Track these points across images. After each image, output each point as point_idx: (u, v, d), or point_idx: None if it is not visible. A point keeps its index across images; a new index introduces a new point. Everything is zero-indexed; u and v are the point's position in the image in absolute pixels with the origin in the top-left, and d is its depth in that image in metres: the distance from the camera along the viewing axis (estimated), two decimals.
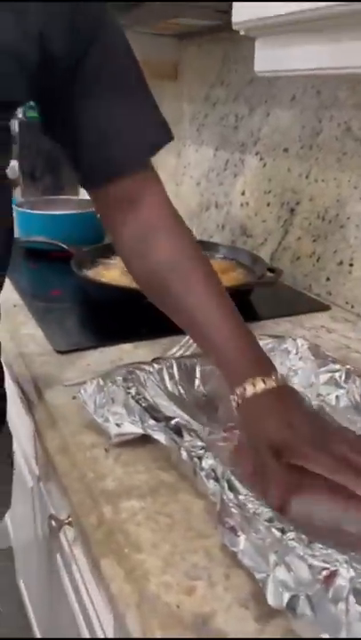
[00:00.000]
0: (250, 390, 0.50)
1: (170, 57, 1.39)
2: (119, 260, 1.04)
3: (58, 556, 0.74)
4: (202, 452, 0.44)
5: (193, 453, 0.45)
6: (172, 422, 0.48)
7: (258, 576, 0.36)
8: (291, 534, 0.36)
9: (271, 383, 0.50)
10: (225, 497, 0.40)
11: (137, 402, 0.52)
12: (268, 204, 1.13)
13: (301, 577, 0.34)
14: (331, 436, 0.47)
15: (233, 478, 0.41)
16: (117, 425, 0.52)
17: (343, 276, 0.94)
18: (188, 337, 0.73)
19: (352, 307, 0.93)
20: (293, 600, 0.33)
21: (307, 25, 0.60)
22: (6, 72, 0.48)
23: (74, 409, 0.62)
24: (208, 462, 0.43)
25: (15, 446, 0.98)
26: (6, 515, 0.77)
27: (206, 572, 0.41)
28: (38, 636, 1.08)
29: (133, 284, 0.90)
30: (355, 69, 0.58)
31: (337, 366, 0.58)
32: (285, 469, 0.45)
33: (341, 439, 0.47)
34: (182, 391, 0.58)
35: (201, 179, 1.37)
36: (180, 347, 0.73)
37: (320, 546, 0.35)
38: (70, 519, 0.64)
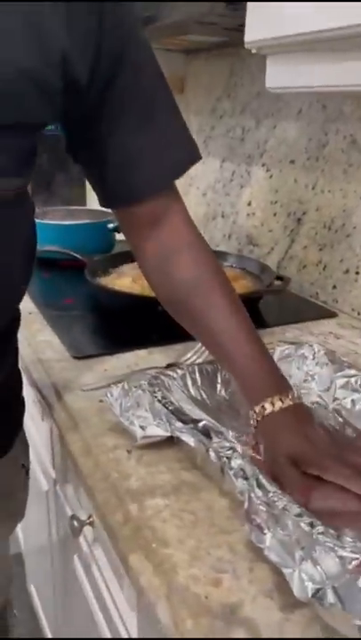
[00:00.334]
0: (268, 409, 0.53)
1: (177, 71, 1.43)
2: (130, 269, 1.07)
3: (75, 558, 0.76)
4: (230, 452, 0.47)
5: (221, 454, 0.47)
6: (200, 424, 0.51)
7: (285, 571, 0.38)
8: (320, 528, 0.38)
9: (288, 402, 0.53)
10: (253, 495, 0.42)
11: (163, 405, 0.54)
12: (275, 214, 1.15)
13: (329, 569, 0.36)
14: (345, 447, 0.50)
15: (261, 477, 0.43)
16: (142, 428, 0.54)
17: (350, 284, 0.97)
18: (200, 343, 0.76)
19: (358, 314, 0.95)
20: (320, 592, 0.35)
21: (318, 44, 0.63)
22: (30, 96, 0.48)
23: (94, 412, 0.64)
24: (237, 462, 0.46)
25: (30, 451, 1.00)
26: None
27: (231, 565, 0.43)
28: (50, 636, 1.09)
29: (145, 292, 0.93)
30: None
31: (353, 371, 0.61)
32: (304, 476, 0.48)
33: (356, 451, 0.50)
34: (205, 396, 0.60)
35: (207, 190, 1.40)
36: (194, 352, 0.75)
37: (349, 538, 0.37)
38: (91, 519, 0.66)
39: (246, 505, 0.42)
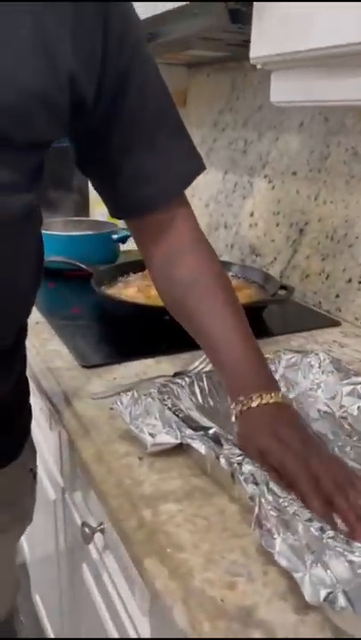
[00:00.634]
0: (247, 404, 0.54)
1: (179, 85, 1.45)
2: (135, 279, 1.09)
3: (84, 566, 0.77)
4: (240, 458, 0.48)
5: (232, 459, 0.48)
6: (211, 432, 0.52)
7: (295, 575, 0.39)
8: (330, 533, 0.39)
9: (267, 399, 0.54)
10: (263, 500, 0.43)
11: (173, 413, 0.55)
12: (277, 225, 1.17)
13: (339, 573, 0.37)
14: (315, 456, 0.50)
15: (272, 483, 0.44)
16: (151, 435, 0.55)
17: (353, 293, 0.98)
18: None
19: None
20: (331, 596, 0.36)
21: (322, 60, 0.65)
22: (39, 116, 0.49)
23: (104, 420, 0.65)
24: (247, 468, 0.47)
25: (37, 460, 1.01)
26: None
27: (245, 568, 0.44)
28: None
29: (151, 301, 0.95)
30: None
31: (359, 379, 0.62)
32: (272, 472, 0.49)
33: (325, 461, 0.50)
34: (212, 403, 0.62)
35: (210, 201, 1.42)
36: (201, 361, 0.76)
37: (358, 544, 0.38)
38: (102, 526, 0.67)
39: (257, 510, 0.43)
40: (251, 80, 1.22)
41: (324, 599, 0.37)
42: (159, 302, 0.93)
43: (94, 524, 0.69)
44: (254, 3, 0.71)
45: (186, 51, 1.17)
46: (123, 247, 1.32)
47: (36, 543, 1.18)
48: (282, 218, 1.16)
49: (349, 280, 0.99)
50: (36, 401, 0.84)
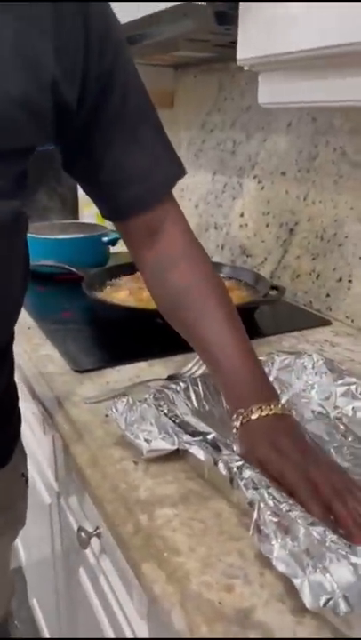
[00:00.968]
0: (247, 417, 0.54)
1: (166, 86, 1.45)
2: (126, 281, 1.09)
3: (81, 570, 0.77)
4: (240, 463, 0.48)
5: (231, 464, 0.48)
6: (209, 437, 0.52)
7: (294, 581, 0.39)
8: (333, 536, 0.39)
9: (267, 410, 0.54)
10: (263, 505, 0.43)
11: (170, 419, 0.55)
12: (267, 225, 1.18)
13: (341, 578, 0.37)
14: (313, 464, 0.50)
15: (272, 488, 0.44)
16: (147, 441, 0.55)
17: (343, 292, 0.99)
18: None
19: (352, 321, 0.97)
20: (331, 602, 0.37)
21: (310, 62, 0.65)
22: (22, 122, 0.49)
23: (98, 425, 0.65)
24: (247, 473, 0.47)
25: (30, 465, 1.01)
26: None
27: (242, 571, 0.45)
28: None
29: (142, 305, 0.95)
30: (355, 102, 0.63)
31: (353, 379, 0.62)
32: (272, 482, 0.49)
33: (324, 468, 0.50)
34: (208, 407, 0.62)
35: (199, 201, 1.42)
36: (194, 363, 0.76)
37: (360, 547, 0.38)
38: (98, 531, 0.67)
39: (255, 516, 0.43)
40: (238, 81, 1.22)
41: (324, 605, 0.37)
42: (151, 305, 0.93)
43: (90, 529, 0.69)
44: (240, 4, 0.71)
45: (172, 52, 1.17)
46: (113, 249, 1.32)
47: (31, 547, 1.18)
48: (272, 218, 1.16)
49: (340, 279, 0.99)
50: (28, 405, 0.84)
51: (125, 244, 0.67)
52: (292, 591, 0.41)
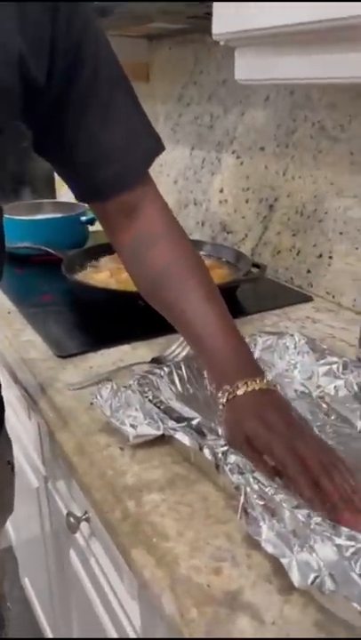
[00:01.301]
0: (233, 392, 0.54)
1: (141, 58, 1.41)
2: (106, 262, 1.08)
3: (71, 551, 0.78)
4: (225, 448, 0.48)
5: (216, 450, 0.48)
6: (194, 423, 0.52)
7: (282, 561, 0.40)
8: (317, 519, 0.40)
9: (253, 385, 0.54)
10: (249, 489, 0.44)
11: (155, 405, 0.56)
12: (247, 201, 1.17)
13: (326, 557, 0.38)
14: (300, 438, 0.51)
15: (257, 472, 0.45)
16: (133, 427, 0.55)
17: (323, 269, 0.99)
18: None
19: (333, 297, 0.98)
20: (318, 580, 0.38)
21: (286, 38, 0.64)
22: None
23: (83, 410, 0.65)
24: (232, 458, 0.47)
25: (16, 449, 1.01)
26: None
27: (230, 553, 0.46)
28: (48, 630, 1.11)
29: (123, 286, 0.94)
30: (331, 80, 0.62)
31: (334, 358, 0.63)
32: (260, 456, 0.50)
33: (311, 443, 0.51)
34: (192, 391, 0.62)
35: (178, 177, 1.40)
36: (178, 345, 0.76)
37: (345, 529, 0.39)
38: (87, 515, 0.67)
39: (242, 499, 0.44)
40: (214, 54, 1.20)
41: (312, 583, 0.38)
42: (132, 286, 0.92)
43: (79, 513, 0.70)
44: None
45: (146, 23, 1.13)
46: (91, 228, 1.30)
47: (21, 527, 1.19)
48: (251, 194, 1.15)
49: (320, 255, 1.00)
50: (12, 391, 0.83)
51: (102, 225, 0.66)
52: (278, 571, 0.42)
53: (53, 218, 1.28)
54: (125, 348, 0.81)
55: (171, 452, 0.57)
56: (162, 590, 0.43)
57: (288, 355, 0.66)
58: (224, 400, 0.55)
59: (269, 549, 0.42)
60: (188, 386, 0.62)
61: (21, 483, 0.98)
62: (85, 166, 0.60)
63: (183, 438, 0.52)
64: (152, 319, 0.83)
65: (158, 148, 0.63)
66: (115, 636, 0.64)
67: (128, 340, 0.82)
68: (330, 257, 0.98)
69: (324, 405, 0.61)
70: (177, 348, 0.75)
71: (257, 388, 0.54)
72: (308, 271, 1.03)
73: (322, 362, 0.64)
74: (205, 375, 0.64)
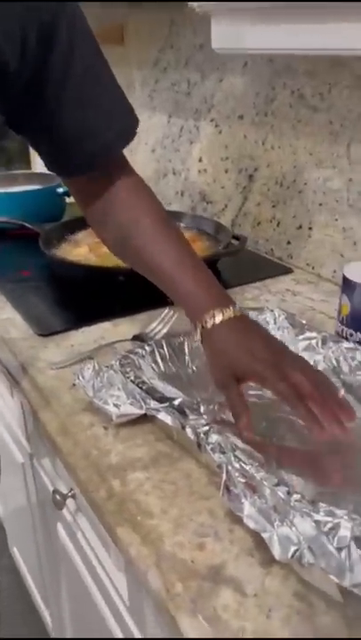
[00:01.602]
0: (210, 322, 0.55)
1: (115, 20, 1.36)
2: (85, 236, 1.06)
3: (58, 525, 0.79)
4: (206, 428, 0.49)
5: (198, 430, 0.49)
6: (176, 403, 0.53)
7: (263, 535, 0.41)
8: (296, 496, 0.41)
9: (229, 313, 0.55)
10: (230, 467, 0.45)
11: (137, 385, 0.56)
12: (226, 171, 1.15)
13: (305, 532, 0.39)
14: (288, 362, 0.53)
15: (239, 451, 0.46)
16: (116, 406, 0.56)
17: (303, 240, 0.99)
18: (165, 311, 0.77)
19: (313, 268, 0.98)
20: (298, 553, 0.39)
21: (264, 8, 0.62)
22: None
23: (65, 390, 0.65)
24: (214, 437, 0.48)
25: (0, 425, 1.01)
26: None
27: (213, 529, 0.47)
28: (38, 599, 1.14)
29: (103, 262, 0.93)
30: (309, 51, 0.61)
31: (314, 333, 0.64)
32: (242, 399, 0.53)
33: (297, 366, 0.53)
34: (174, 369, 0.63)
35: (156, 146, 1.37)
36: (159, 322, 0.76)
37: (323, 505, 0.40)
38: (73, 492, 0.68)
39: (224, 477, 0.45)
40: (190, 17, 1.15)
41: (292, 556, 0.40)
42: (112, 261, 0.92)
43: (65, 490, 0.71)
44: None
45: None
46: (68, 200, 1.27)
47: (8, 498, 1.21)
48: (230, 163, 1.14)
49: (300, 227, 0.99)
50: None
51: (75, 198, 0.68)
52: (260, 545, 0.44)
53: (29, 190, 1.25)
54: (106, 325, 0.80)
55: (154, 430, 0.58)
56: (147, 567, 0.44)
57: (268, 330, 0.67)
58: (201, 331, 0.55)
59: (251, 525, 0.43)
60: (170, 364, 0.63)
61: (7, 457, 0.99)
62: (61, 143, 0.60)
63: (166, 418, 0.52)
64: (133, 295, 0.84)
65: (135, 125, 0.63)
66: (104, 605, 0.66)
67: (109, 316, 0.82)
68: (310, 228, 0.98)
69: None
70: (158, 325, 0.75)
71: (232, 316, 0.55)
72: (289, 242, 1.03)
73: (301, 337, 0.64)
74: (186, 353, 0.64)
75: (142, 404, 0.55)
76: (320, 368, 0.62)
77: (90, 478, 0.53)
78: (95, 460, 0.55)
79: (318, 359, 0.62)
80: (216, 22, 0.70)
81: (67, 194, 1.24)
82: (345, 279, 0.67)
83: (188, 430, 0.50)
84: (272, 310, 0.69)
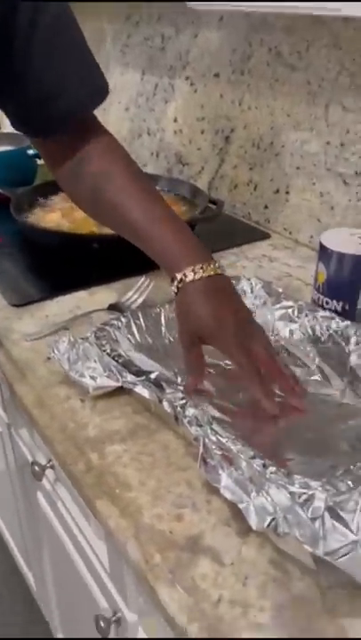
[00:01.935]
0: (190, 276, 0.54)
1: None
2: (58, 201, 1.03)
3: (38, 494, 0.80)
4: (183, 401, 0.49)
5: (175, 403, 0.49)
6: (153, 376, 0.52)
7: (240, 506, 0.42)
8: (272, 468, 0.42)
9: (209, 271, 0.54)
10: (207, 440, 0.45)
11: (113, 358, 0.55)
12: (203, 132, 1.12)
13: (281, 502, 0.40)
14: (252, 335, 0.54)
15: (215, 424, 0.46)
16: (93, 378, 0.56)
17: (281, 204, 0.98)
18: (141, 281, 0.76)
19: (290, 233, 0.98)
20: (274, 522, 0.40)
21: None
22: None
23: (40, 362, 0.65)
24: (191, 411, 0.48)
25: None
26: None
27: (190, 500, 0.48)
28: (22, 562, 1.16)
29: (77, 228, 0.91)
30: (285, 9, 0.59)
31: (290, 302, 0.64)
32: (201, 360, 0.55)
33: (260, 341, 0.54)
34: (151, 341, 0.62)
35: (129, 104, 1.33)
36: (135, 291, 0.75)
37: (297, 476, 0.41)
38: (51, 463, 0.69)
39: (201, 450, 0.45)
40: None
41: (268, 525, 0.40)
42: (86, 228, 0.90)
43: (43, 460, 0.71)
44: None
45: None
46: (40, 162, 1.23)
47: None
48: (207, 124, 1.11)
49: (277, 190, 0.98)
50: None
51: (44, 160, 0.66)
52: (237, 515, 0.45)
53: None
54: (82, 294, 0.79)
55: (131, 402, 0.58)
56: (126, 539, 0.45)
57: (245, 300, 0.66)
58: (175, 289, 0.55)
59: (228, 496, 0.44)
60: (146, 336, 0.62)
61: None
62: (30, 102, 0.58)
63: (143, 392, 0.52)
64: (108, 263, 0.82)
65: (105, 86, 0.62)
66: (86, 572, 0.67)
67: (84, 285, 0.80)
68: (287, 192, 0.96)
69: (283, 351, 0.62)
70: (134, 293, 0.74)
71: (205, 275, 0.54)
72: (266, 207, 1.01)
73: (278, 306, 0.64)
74: (163, 323, 0.64)
75: (119, 376, 0.55)
76: (296, 337, 0.62)
77: (67, 451, 0.53)
78: (72, 433, 0.55)
79: (294, 328, 0.62)
80: None
81: (38, 156, 1.20)
82: (321, 246, 0.66)
83: (165, 404, 0.50)
84: (249, 279, 0.68)
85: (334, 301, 0.66)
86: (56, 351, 0.58)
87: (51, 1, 0.53)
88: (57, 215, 0.97)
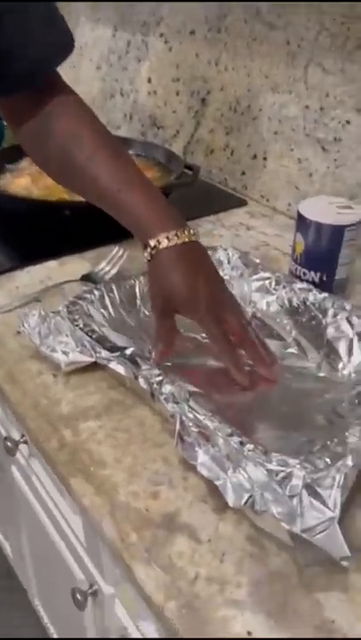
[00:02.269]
0: (164, 243, 0.52)
1: None
2: (27, 165, 0.99)
3: (12, 467, 0.79)
4: (160, 378, 0.48)
5: (151, 380, 0.48)
6: (128, 352, 0.51)
7: (217, 483, 0.41)
8: (250, 446, 0.41)
9: (184, 237, 0.53)
10: (184, 417, 0.44)
11: (86, 334, 0.54)
12: (178, 93, 1.08)
13: (258, 479, 0.40)
14: (226, 306, 0.53)
15: (192, 400, 0.45)
16: (65, 353, 0.54)
17: (258, 170, 0.96)
18: (115, 251, 0.74)
19: (267, 200, 0.96)
20: (251, 499, 0.39)
21: None
22: None
23: (11, 336, 0.62)
24: (167, 388, 0.47)
25: None
26: None
27: (167, 477, 0.47)
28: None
29: (47, 194, 0.87)
30: None
31: (267, 274, 0.62)
32: (171, 329, 0.54)
33: (233, 311, 0.53)
34: (125, 315, 0.60)
35: (101, 62, 1.27)
36: (108, 261, 0.73)
37: (275, 454, 0.40)
38: (24, 438, 0.67)
39: (178, 426, 0.44)
40: None
41: (245, 503, 0.40)
42: (56, 194, 0.86)
43: (17, 435, 0.69)
44: None
45: None
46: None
47: None
48: (182, 85, 1.07)
49: (254, 156, 0.95)
50: None
51: (6, 122, 0.62)
52: (213, 492, 0.44)
53: None
54: (53, 264, 0.77)
55: (106, 378, 0.56)
56: (101, 517, 0.44)
57: (222, 270, 0.65)
58: (148, 257, 0.53)
59: (205, 472, 0.43)
60: (120, 310, 0.60)
61: None
62: None
63: (117, 368, 0.51)
64: (80, 231, 0.79)
65: (72, 41, 0.58)
66: (63, 546, 0.67)
67: (55, 255, 0.78)
68: (264, 158, 0.94)
69: (258, 322, 0.61)
70: (107, 265, 0.72)
71: (180, 242, 0.52)
72: (243, 173, 0.99)
73: (255, 277, 0.63)
74: (137, 297, 0.62)
75: (92, 352, 0.53)
76: (273, 309, 0.61)
77: (40, 428, 0.52)
78: (45, 410, 0.53)
79: (271, 300, 0.61)
80: None
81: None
82: (299, 216, 0.65)
83: (141, 380, 0.49)
84: (225, 249, 0.67)
85: (312, 272, 0.65)
86: (26, 325, 0.56)
87: None
88: (26, 180, 0.93)
